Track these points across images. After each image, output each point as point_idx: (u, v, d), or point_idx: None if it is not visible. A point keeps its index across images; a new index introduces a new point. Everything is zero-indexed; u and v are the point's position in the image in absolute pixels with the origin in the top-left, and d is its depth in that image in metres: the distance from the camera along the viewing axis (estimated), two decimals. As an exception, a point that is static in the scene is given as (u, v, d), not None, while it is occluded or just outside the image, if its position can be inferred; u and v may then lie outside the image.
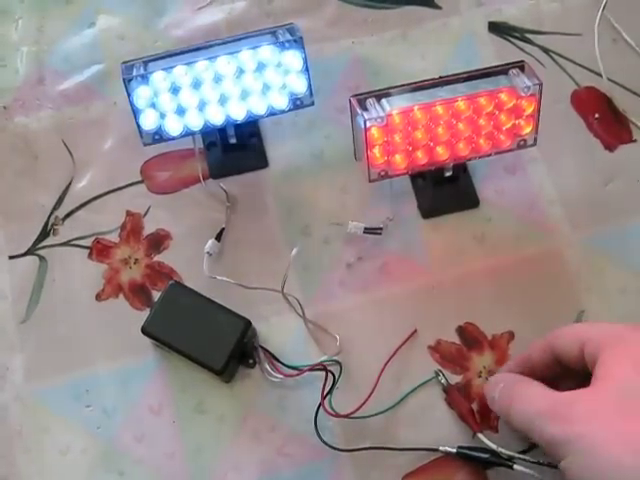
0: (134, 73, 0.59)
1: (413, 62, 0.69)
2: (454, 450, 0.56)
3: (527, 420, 0.49)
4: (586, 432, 0.45)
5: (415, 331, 0.61)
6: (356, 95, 0.58)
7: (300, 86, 0.61)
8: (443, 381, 0.59)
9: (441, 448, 0.57)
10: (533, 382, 0.52)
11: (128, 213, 0.65)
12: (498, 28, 0.70)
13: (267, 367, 0.59)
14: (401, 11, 0.71)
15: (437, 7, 0.71)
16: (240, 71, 0.59)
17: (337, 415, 0.56)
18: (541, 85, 0.58)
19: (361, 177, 0.62)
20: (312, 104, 0.62)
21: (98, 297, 0.62)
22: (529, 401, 0.50)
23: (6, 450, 0.59)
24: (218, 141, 0.65)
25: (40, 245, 0.64)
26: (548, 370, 0.54)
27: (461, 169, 0.64)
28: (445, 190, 0.64)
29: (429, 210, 0.64)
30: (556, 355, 0.52)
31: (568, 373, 0.52)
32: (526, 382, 0.52)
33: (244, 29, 0.68)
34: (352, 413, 0.56)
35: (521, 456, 0.54)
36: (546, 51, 0.69)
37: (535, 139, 0.61)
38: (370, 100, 0.58)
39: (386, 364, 0.59)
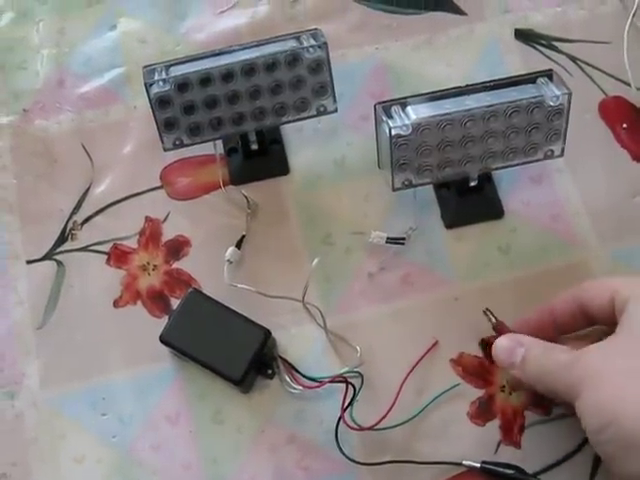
0: (155, 77, 0.58)
1: (438, 69, 0.68)
2: (478, 465, 0.55)
3: (552, 379, 0.50)
4: (597, 370, 0.48)
5: (436, 343, 0.60)
6: (381, 102, 0.57)
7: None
8: (493, 320, 0.58)
9: (464, 462, 0.56)
10: (552, 344, 0.53)
11: (147, 219, 0.64)
12: (524, 35, 0.69)
13: (286, 378, 0.58)
14: (426, 17, 0.70)
15: (463, 13, 0.70)
16: (263, 76, 0.59)
17: (358, 428, 0.55)
18: (570, 95, 0.57)
19: (384, 186, 0.61)
20: (335, 111, 0.61)
21: (116, 304, 0.62)
22: (555, 361, 0.51)
23: (21, 457, 0.58)
24: (239, 147, 0.64)
25: (58, 250, 0.63)
26: (572, 322, 0.54)
27: (486, 179, 0.63)
28: (469, 200, 0.63)
29: (453, 220, 0.63)
30: (584, 306, 0.53)
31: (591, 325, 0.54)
32: (548, 345, 0.53)
33: (266, 34, 0.66)
34: (373, 426, 0.55)
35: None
36: (573, 59, 0.68)
37: (562, 149, 0.60)
38: (395, 107, 0.57)
39: (407, 377, 0.58)
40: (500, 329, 0.57)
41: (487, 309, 0.59)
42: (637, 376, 0.46)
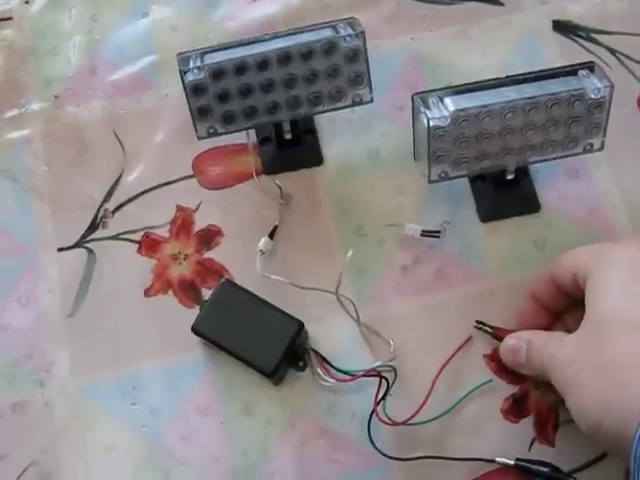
0: (190, 65, 0.57)
1: (473, 60, 0.67)
2: (512, 462, 0.55)
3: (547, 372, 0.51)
4: (572, 374, 0.48)
5: (470, 338, 0.59)
6: (419, 93, 0.57)
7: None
8: (489, 330, 0.58)
9: (498, 460, 0.55)
10: (543, 334, 0.53)
11: (179, 208, 0.64)
12: (563, 27, 0.68)
13: (318, 371, 0.57)
14: (461, 7, 0.69)
15: (499, 4, 0.69)
16: (299, 65, 0.58)
17: (391, 423, 0.54)
18: (612, 87, 0.56)
19: (418, 178, 0.60)
20: (371, 101, 0.60)
21: (146, 292, 0.61)
22: (544, 355, 0.51)
23: (51, 446, 0.58)
24: (272, 136, 0.64)
25: (89, 238, 0.63)
26: (555, 302, 0.55)
27: (522, 172, 0.62)
28: (505, 193, 0.62)
29: (488, 213, 0.62)
30: (558, 285, 0.53)
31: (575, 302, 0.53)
32: (546, 335, 0.53)
33: (299, 22, 0.66)
34: (406, 421, 0.54)
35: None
36: (612, 52, 0.67)
37: (602, 143, 0.59)
38: (433, 98, 0.56)
39: (440, 372, 0.57)
40: (500, 334, 0.57)
41: (477, 322, 0.58)
42: (612, 381, 0.46)
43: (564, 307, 0.56)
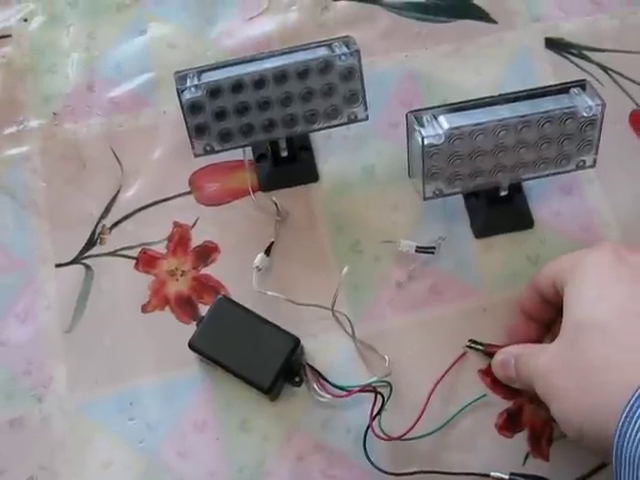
0: (188, 83, 0.58)
1: (467, 77, 0.68)
2: (506, 477, 0.55)
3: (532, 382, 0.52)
4: (553, 380, 0.49)
5: (464, 353, 0.59)
6: (413, 111, 0.57)
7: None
8: (480, 347, 0.59)
9: (492, 474, 0.55)
10: (532, 347, 0.54)
11: (176, 224, 0.64)
12: (555, 44, 0.69)
13: (314, 386, 0.58)
14: (455, 25, 0.70)
15: (493, 22, 0.70)
16: (295, 83, 0.59)
17: (387, 438, 0.55)
18: (604, 106, 0.56)
19: (413, 194, 0.61)
20: (366, 118, 0.61)
21: (144, 309, 0.62)
22: (530, 366, 0.52)
23: (48, 461, 0.58)
24: (269, 153, 0.64)
25: (87, 254, 0.63)
26: (542, 313, 0.56)
27: (516, 189, 0.62)
28: (499, 210, 0.62)
29: (482, 230, 0.63)
30: (541, 295, 0.54)
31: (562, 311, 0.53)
32: (534, 348, 0.54)
33: (296, 40, 0.67)
34: (402, 436, 0.55)
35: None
36: (604, 69, 0.68)
37: (595, 160, 0.59)
38: (427, 116, 0.57)
39: (435, 387, 0.57)
40: (492, 350, 0.58)
41: (469, 341, 0.59)
42: (590, 383, 0.47)
43: (552, 318, 0.56)
